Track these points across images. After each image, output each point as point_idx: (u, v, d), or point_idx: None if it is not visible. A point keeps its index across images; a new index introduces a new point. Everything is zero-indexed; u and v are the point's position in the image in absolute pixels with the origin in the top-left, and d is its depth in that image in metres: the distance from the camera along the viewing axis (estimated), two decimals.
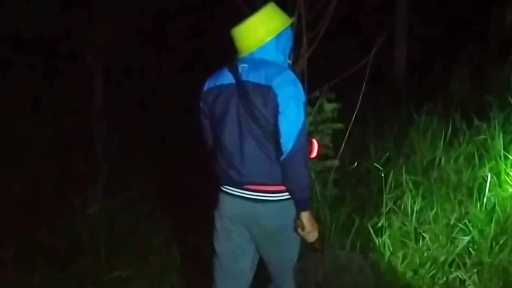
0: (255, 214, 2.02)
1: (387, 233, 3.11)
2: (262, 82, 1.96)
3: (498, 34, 5.69)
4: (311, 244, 2.06)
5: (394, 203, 3.33)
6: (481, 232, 2.87)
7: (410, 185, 3.36)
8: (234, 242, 2.10)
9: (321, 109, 3.40)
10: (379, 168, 3.60)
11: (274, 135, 1.95)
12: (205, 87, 2.09)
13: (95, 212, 4.00)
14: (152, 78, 7.07)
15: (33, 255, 3.60)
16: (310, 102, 3.40)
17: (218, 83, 2.05)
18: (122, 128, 5.52)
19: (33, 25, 5.46)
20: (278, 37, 2.01)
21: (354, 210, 3.36)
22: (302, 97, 2.01)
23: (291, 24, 2.12)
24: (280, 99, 1.94)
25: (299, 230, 2.01)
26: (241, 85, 1.99)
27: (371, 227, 3.15)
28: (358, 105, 3.26)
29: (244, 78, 1.99)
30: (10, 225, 4.04)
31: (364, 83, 3.31)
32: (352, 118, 3.42)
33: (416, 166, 3.55)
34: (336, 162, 3.36)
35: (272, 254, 2.11)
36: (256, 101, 1.96)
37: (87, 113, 6.65)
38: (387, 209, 3.29)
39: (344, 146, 3.31)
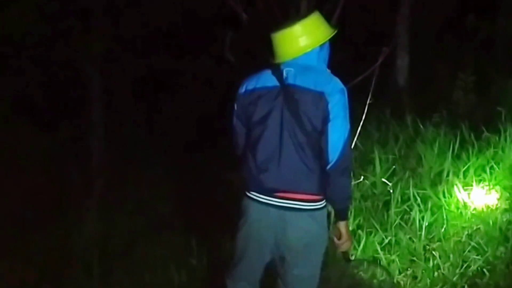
0: (284, 222, 1.96)
1: (395, 250, 2.97)
2: (312, 87, 1.93)
3: (505, 43, 5.58)
4: (344, 253, 2.10)
5: (401, 218, 3.20)
6: (495, 251, 2.71)
7: (418, 199, 3.22)
8: (262, 252, 2.04)
9: None
10: (385, 182, 3.46)
11: (318, 142, 1.91)
12: (243, 89, 2.03)
13: (89, 226, 3.87)
14: (150, 89, 6.97)
15: (23, 271, 3.48)
16: None
17: (259, 85, 1.99)
18: (118, 139, 5.41)
19: (30, 32, 5.38)
20: (322, 46, 2.01)
21: (360, 226, 3.21)
22: (348, 106, 1.98)
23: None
24: (331, 107, 1.91)
25: (335, 239, 2.03)
26: (287, 89, 1.94)
27: (378, 243, 3.00)
28: (364, 115, 3.13)
29: (291, 82, 1.95)
30: (1, 240, 3.92)
31: (370, 93, 3.18)
32: (357, 129, 3.30)
33: (424, 179, 3.41)
34: None
35: (293, 271, 2.02)
36: (305, 106, 1.92)
37: (83, 123, 6.56)
38: (394, 224, 3.15)
39: None
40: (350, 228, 3.09)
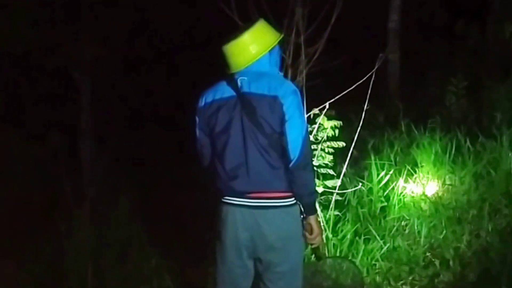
0: (258, 222, 2.02)
1: (393, 258, 2.94)
2: (266, 92, 2.02)
3: (495, 48, 5.62)
4: (315, 249, 2.13)
5: (399, 224, 3.17)
6: (495, 258, 2.69)
7: (416, 205, 3.20)
8: (241, 257, 2.07)
9: (321, 127, 3.24)
10: (381, 188, 3.44)
11: (279, 143, 2.01)
12: (202, 102, 2.11)
13: (81, 237, 3.77)
14: (140, 96, 6.90)
15: (14, 284, 3.38)
16: (309, 120, 3.26)
17: (218, 96, 2.08)
18: (109, 148, 5.33)
19: (19, 40, 5.29)
20: (271, 51, 2.09)
21: (357, 233, 3.18)
22: (302, 105, 2.10)
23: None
24: (286, 108, 2.00)
25: (307, 234, 2.07)
26: (243, 97, 2.03)
27: (376, 250, 2.97)
28: (361, 122, 3.11)
29: (246, 90, 2.04)
30: None
31: (367, 99, 3.17)
32: (352, 135, 3.28)
33: (420, 186, 3.38)
34: (337, 182, 3.19)
35: (275, 268, 2.06)
36: (262, 111, 2.01)
37: (74, 132, 6.47)
38: (392, 231, 3.13)
39: (345, 165, 3.15)
40: (348, 237, 3.09)
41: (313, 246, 2.14)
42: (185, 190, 4.56)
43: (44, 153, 5.42)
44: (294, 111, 2.00)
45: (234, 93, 2.04)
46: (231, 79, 2.06)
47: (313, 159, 2.40)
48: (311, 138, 3.19)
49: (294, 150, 1.99)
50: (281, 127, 2.00)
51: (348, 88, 3.22)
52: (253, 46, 2.04)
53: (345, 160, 3.22)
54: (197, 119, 2.11)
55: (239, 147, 2.02)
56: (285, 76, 3.22)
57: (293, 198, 2.04)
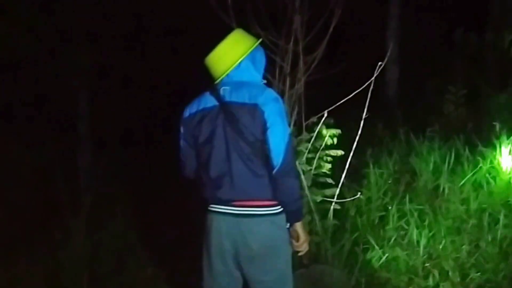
0: (241, 231, 2.02)
1: (393, 268, 2.90)
2: (247, 101, 2.03)
3: (495, 56, 5.62)
4: (302, 256, 2.13)
5: (398, 234, 3.14)
6: (495, 269, 2.66)
7: (415, 215, 3.17)
8: (227, 265, 2.07)
9: (319, 135, 3.21)
10: (380, 197, 3.41)
11: (262, 150, 2.02)
12: (187, 113, 2.13)
13: (77, 246, 3.73)
14: (139, 103, 6.88)
15: None
16: (308, 128, 3.23)
17: (201, 107, 2.10)
18: (106, 156, 5.30)
19: (16, 48, 5.28)
20: (253, 57, 2.11)
21: (356, 243, 3.14)
22: (284, 111, 2.10)
23: (263, 45, 2.22)
24: (267, 116, 2.01)
25: (293, 241, 2.07)
26: (225, 106, 2.04)
27: (375, 260, 2.93)
28: (360, 130, 3.09)
29: (227, 99, 2.05)
30: None
31: (366, 107, 3.14)
32: (350, 144, 3.25)
33: (419, 195, 3.36)
34: (336, 191, 3.16)
35: (262, 277, 2.06)
36: (244, 119, 2.02)
37: (71, 140, 6.43)
38: (391, 241, 3.09)
39: (343, 174, 3.12)
40: (348, 247, 3.06)
41: (299, 254, 2.14)
42: (181, 198, 4.52)
43: (41, 161, 5.38)
44: (275, 118, 2.01)
45: (216, 103, 2.06)
46: (213, 89, 2.09)
47: (297, 166, 2.47)
48: (309, 146, 3.18)
49: (277, 157, 1.99)
50: (263, 134, 2.00)
51: (346, 96, 3.20)
52: (230, 52, 2.07)
53: (344, 169, 3.17)
54: (181, 129, 2.14)
55: (222, 156, 2.03)
56: (284, 84, 3.22)
57: (278, 207, 2.03)
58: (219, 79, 2.10)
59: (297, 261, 2.27)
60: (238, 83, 2.07)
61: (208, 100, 2.08)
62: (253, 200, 2.02)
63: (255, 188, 2.02)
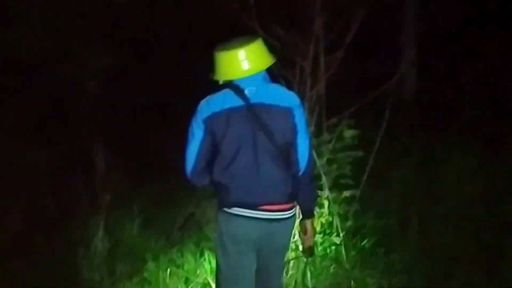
0: (271, 233, 2.08)
1: (414, 272, 2.86)
2: (279, 103, 2.03)
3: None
4: (308, 248, 2.25)
5: (420, 237, 3.10)
6: None
7: (437, 217, 3.13)
8: (249, 263, 2.12)
9: (340, 136, 3.19)
10: (400, 199, 3.38)
11: (287, 154, 2.04)
12: (209, 111, 2.04)
13: (96, 245, 3.75)
14: (154, 102, 6.91)
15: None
16: (328, 129, 3.22)
17: (227, 106, 2.03)
18: (124, 155, 5.32)
19: (34, 49, 5.33)
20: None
21: (377, 245, 3.11)
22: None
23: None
24: (297, 120, 2.05)
25: (302, 235, 2.21)
26: (255, 107, 2.02)
27: (397, 263, 2.90)
28: (382, 131, 3.06)
29: (256, 100, 2.03)
30: (6, 261, 3.83)
31: (386, 108, 3.12)
32: (370, 145, 3.23)
33: (443, 199, 3.31)
34: (357, 193, 3.13)
35: (273, 266, 2.20)
36: (275, 122, 2.02)
37: (87, 139, 6.47)
38: (413, 244, 3.06)
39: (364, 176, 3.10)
40: (369, 249, 3.02)
41: (305, 246, 2.24)
42: (198, 197, 4.52)
43: (59, 160, 5.42)
44: (303, 123, 2.06)
45: (243, 103, 2.02)
46: (237, 89, 2.03)
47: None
48: (330, 147, 3.16)
49: (303, 161, 2.05)
50: (292, 138, 2.03)
51: (366, 97, 3.18)
52: (259, 57, 2.05)
53: (364, 170, 3.14)
54: (203, 127, 2.05)
55: (250, 158, 2.01)
56: (305, 84, 3.21)
57: (294, 209, 2.12)
58: (236, 78, 2.04)
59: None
60: (262, 83, 2.06)
61: (234, 100, 2.03)
62: (279, 204, 2.05)
63: (280, 192, 2.05)
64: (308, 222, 2.18)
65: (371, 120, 3.72)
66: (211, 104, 2.05)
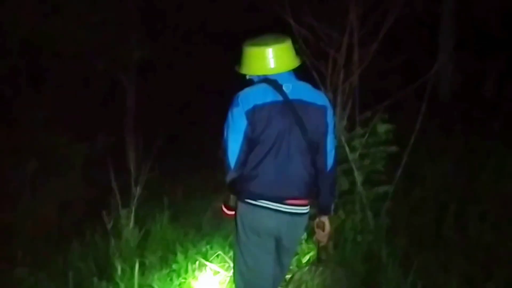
0: (291, 226, 2.14)
1: (450, 272, 2.75)
2: (316, 102, 2.10)
3: None
4: (324, 247, 2.31)
5: (457, 235, 2.98)
6: None
7: (475, 216, 3.00)
8: (270, 253, 2.18)
9: (373, 131, 3.10)
10: (436, 196, 3.26)
11: (316, 150, 2.10)
12: (250, 104, 2.06)
13: (126, 236, 3.78)
14: (187, 97, 6.94)
15: (62, 280, 3.41)
16: (361, 123, 3.13)
17: (268, 100, 2.07)
18: (155, 147, 5.36)
19: (70, 42, 5.42)
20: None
21: (410, 243, 3.01)
22: None
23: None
24: (329, 120, 2.12)
25: (320, 231, 2.24)
26: (293, 104, 2.07)
27: (432, 262, 2.80)
28: (418, 126, 2.96)
29: (295, 97, 2.08)
30: (39, 249, 3.95)
31: (422, 102, 3.01)
32: (404, 140, 3.13)
33: (481, 195, 3.17)
34: (390, 189, 3.04)
35: (292, 255, 2.30)
36: (312, 119, 2.08)
37: (120, 131, 6.55)
38: (449, 243, 2.94)
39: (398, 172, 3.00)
40: (403, 247, 2.93)
41: (321, 245, 2.29)
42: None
43: (92, 153, 5.51)
44: (333, 123, 2.14)
45: (282, 98, 2.07)
46: (275, 84, 2.07)
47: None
48: (363, 142, 3.08)
49: (330, 159, 2.12)
50: (322, 136, 2.10)
51: (401, 91, 3.08)
52: (291, 56, 2.12)
53: (398, 166, 3.05)
54: (245, 120, 2.06)
55: (285, 154, 2.06)
56: (337, 77, 3.13)
57: (309, 205, 2.18)
58: (269, 74, 2.09)
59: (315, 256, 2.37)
60: (295, 80, 2.12)
61: (274, 95, 2.07)
62: (302, 199, 2.12)
63: (304, 187, 2.10)
64: (326, 218, 2.23)
65: (406, 115, 3.61)
66: (252, 97, 2.07)
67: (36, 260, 3.93)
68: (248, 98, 2.06)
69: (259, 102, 2.05)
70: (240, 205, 2.12)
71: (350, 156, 2.98)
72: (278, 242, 2.17)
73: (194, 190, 4.84)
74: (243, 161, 2.08)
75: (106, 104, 7.18)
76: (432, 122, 4.63)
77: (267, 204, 2.08)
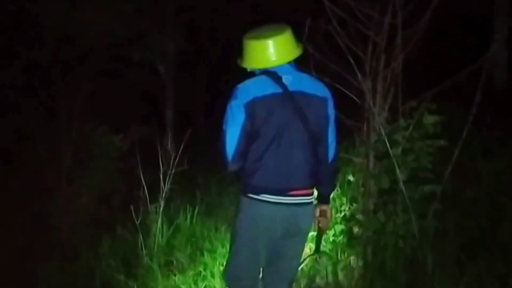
0: (295, 217, 2.14)
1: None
2: (317, 93, 2.12)
3: None
4: (319, 239, 2.34)
5: None
6: None
7: None
8: (259, 254, 2.17)
9: (419, 123, 2.78)
10: (490, 197, 2.91)
11: (317, 141, 2.12)
12: (250, 96, 2.07)
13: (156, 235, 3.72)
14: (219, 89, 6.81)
15: (91, 276, 3.42)
16: (405, 114, 2.82)
17: (268, 92, 2.08)
18: (189, 141, 5.28)
19: (105, 31, 5.38)
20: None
21: (461, 249, 2.69)
22: None
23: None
24: (330, 111, 2.15)
25: (322, 219, 2.27)
26: (293, 95, 2.08)
27: (487, 272, 2.49)
28: (470, 118, 2.62)
29: (295, 88, 2.10)
30: (73, 241, 4.02)
31: (479, 93, 2.66)
32: (456, 133, 2.79)
33: None
34: (438, 188, 2.72)
35: (300, 246, 2.25)
36: (313, 110, 2.10)
37: (156, 123, 6.51)
38: (508, 249, 2.61)
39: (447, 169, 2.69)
40: (452, 253, 2.63)
41: (325, 230, 2.33)
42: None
43: (126, 145, 5.49)
44: (334, 114, 2.15)
45: (282, 90, 2.08)
46: (275, 76, 2.09)
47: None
48: (407, 135, 2.78)
49: (331, 151, 2.16)
50: (324, 127, 2.13)
51: (449, 78, 2.76)
52: (292, 46, 2.13)
53: (448, 162, 2.74)
54: (243, 111, 2.06)
55: (287, 145, 2.08)
56: (377, 62, 2.85)
57: (314, 194, 2.21)
58: (269, 66, 2.11)
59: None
60: (296, 71, 2.14)
61: (274, 86, 2.08)
62: (305, 189, 2.14)
63: (306, 178, 2.13)
64: (327, 206, 2.27)
65: (456, 105, 3.29)
66: (251, 89, 2.09)
67: (67, 255, 3.94)
68: (248, 90, 2.09)
69: (259, 94, 2.07)
70: (242, 199, 2.12)
71: (392, 152, 2.69)
72: (283, 236, 2.14)
73: (227, 185, 4.71)
74: (242, 153, 2.09)
75: (144, 96, 7.18)
76: (487, 113, 4.23)
77: (269, 198, 2.09)
